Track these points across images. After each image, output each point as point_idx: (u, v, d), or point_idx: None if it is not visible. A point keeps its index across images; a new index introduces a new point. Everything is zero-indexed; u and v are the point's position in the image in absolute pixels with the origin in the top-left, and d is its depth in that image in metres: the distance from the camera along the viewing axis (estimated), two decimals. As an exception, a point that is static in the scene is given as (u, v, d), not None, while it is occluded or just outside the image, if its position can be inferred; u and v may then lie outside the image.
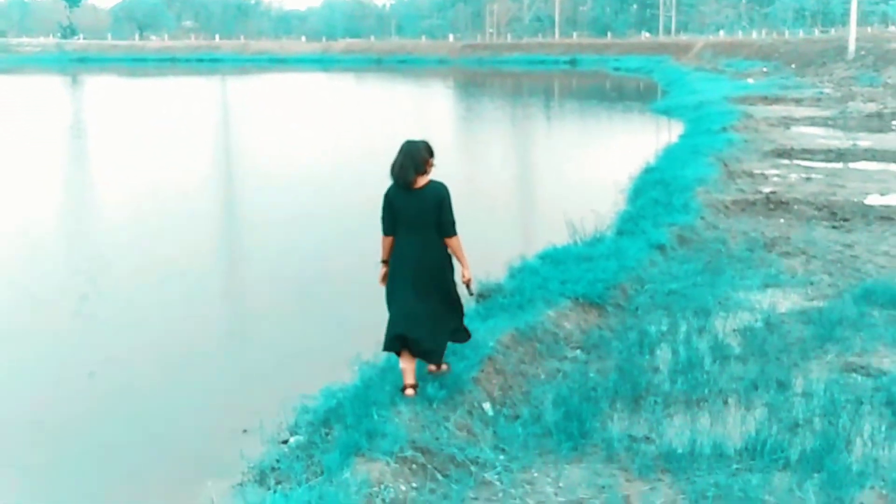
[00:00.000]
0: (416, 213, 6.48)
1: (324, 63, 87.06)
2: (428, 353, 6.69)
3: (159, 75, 66.94)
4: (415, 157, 6.48)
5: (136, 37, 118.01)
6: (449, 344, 6.97)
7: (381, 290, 6.81)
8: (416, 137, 6.67)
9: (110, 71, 73.06)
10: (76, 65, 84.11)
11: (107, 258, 12.43)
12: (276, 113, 36.12)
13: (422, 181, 6.51)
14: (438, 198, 6.50)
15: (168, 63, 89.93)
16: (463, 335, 7.00)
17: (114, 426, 7.31)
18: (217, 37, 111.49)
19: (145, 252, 12.72)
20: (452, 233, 6.56)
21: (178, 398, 7.82)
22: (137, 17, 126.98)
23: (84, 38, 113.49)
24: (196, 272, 11.73)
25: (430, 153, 6.56)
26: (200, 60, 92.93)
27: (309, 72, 72.09)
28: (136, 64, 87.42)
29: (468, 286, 6.82)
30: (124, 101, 43.62)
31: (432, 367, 6.89)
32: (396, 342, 6.54)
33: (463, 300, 6.96)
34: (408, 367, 6.58)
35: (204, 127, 31.37)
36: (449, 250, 6.63)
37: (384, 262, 6.72)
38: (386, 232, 6.64)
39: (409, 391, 6.52)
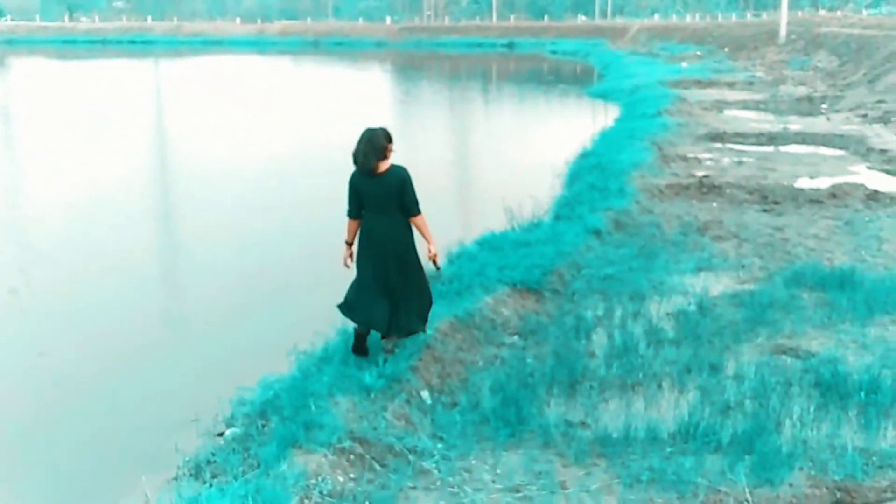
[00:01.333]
0: (380, 197, 6.86)
1: (259, 45, 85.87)
2: (397, 329, 7.11)
3: (90, 57, 65.46)
4: (375, 144, 6.81)
5: (66, 18, 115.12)
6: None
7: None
8: (374, 125, 6.98)
9: (39, 53, 71.28)
10: (3, 46, 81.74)
11: (38, 249, 12.12)
12: (212, 98, 35.57)
13: (383, 166, 6.85)
14: (400, 181, 6.85)
15: (99, 45, 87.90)
16: (419, 326, 7.24)
17: (46, 421, 7.16)
18: (149, 18, 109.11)
19: (78, 243, 12.43)
20: (416, 212, 6.92)
21: (113, 392, 7.68)
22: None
23: (11, 20, 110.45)
24: (130, 264, 11.48)
25: (389, 139, 6.89)
26: (132, 42, 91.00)
27: (244, 54, 71.12)
28: (66, 45, 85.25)
29: (434, 262, 7.20)
30: (54, 85, 42.58)
31: (386, 350, 7.18)
32: (359, 317, 7.04)
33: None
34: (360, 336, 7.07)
35: (138, 112, 30.75)
36: (414, 229, 6.99)
37: (348, 243, 7.12)
38: (350, 215, 7.06)
39: (359, 342, 7.05)
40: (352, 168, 6.98)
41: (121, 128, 25.90)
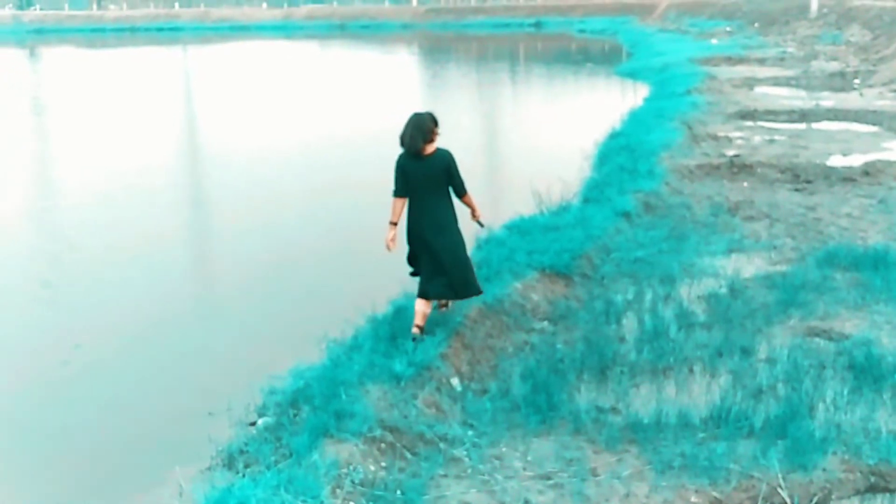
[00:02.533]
0: (427, 177, 7.21)
1: (286, 30, 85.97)
2: (462, 291, 7.47)
3: (119, 46, 65.89)
4: (421, 128, 7.14)
5: (94, 6, 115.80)
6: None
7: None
8: (421, 110, 7.32)
9: (68, 42, 71.81)
10: (33, 36, 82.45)
11: (70, 240, 12.26)
12: (241, 84, 35.69)
13: (429, 149, 7.19)
14: (445, 163, 7.23)
15: (127, 33, 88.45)
16: (475, 289, 7.57)
17: (80, 411, 7.26)
18: (177, 5, 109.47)
19: (110, 232, 12.53)
20: (465, 191, 7.39)
21: (145, 382, 7.77)
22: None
23: (40, 9, 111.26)
24: (162, 253, 11.59)
25: (435, 123, 7.22)
26: (160, 30, 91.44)
27: (271, 39, 71.23)
28: (95, 34, 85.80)
29: (479, 222, 7.79)
30: (84, 74, 42.91)
31: (442, 308, 7.79)
32: (431, 293, 7.36)
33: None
34: (424, 310, 7.34)
35: (168, 100, 30.94)
36: (463, 203, 7.45)
37: (393, 223, 7.33)
38: (397, 194, 7.31)
39: (416, 330, 7.24)
40: (394, 151, 7.23)
41: (151, 116, 26.09)
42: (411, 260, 7.63)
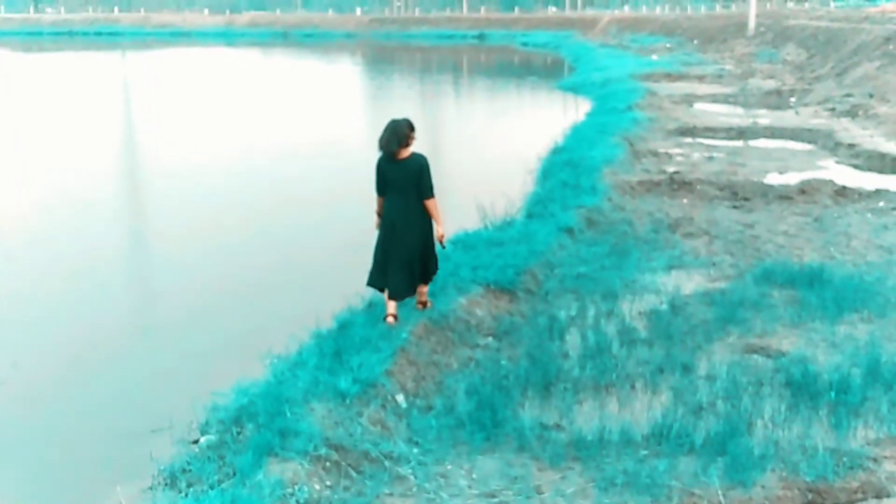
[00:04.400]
0: (401, 179, 7.78)
1: (228, 37, 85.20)
2: (399, 294, 7.98)
3: (56, 49, 64.66)
4: (397, 132, 7.71)
5: (31, 9, 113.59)
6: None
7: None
8: (398, 116, 7.88)
9: (3, 45, 70.31)
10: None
11: (5, 253, 11.91)
12: (181, 92, 35.27)
13: (405, 153, 7.76)
14: (418, 167, 7.76)
15: (65, 36, 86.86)
16: (432, 274, 8.27)
17: (18, 430, 7.06)
18: (116, 9, 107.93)
19: (46, 246, 12.20)
20: (430, 195, 7.80)
21: (85, 399, 7.60)
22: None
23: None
24: (101, 267, 11.33)
25: (412, 129, 7.79)
26: (99, 34, 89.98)
27: (213, 46, 70.55)
28: (31, 37, 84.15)
29: (440, 241, 8.09)
30: (18, 79, 42.04)
31: (419, 305, 8.25)
32: (378, 281, 7.98)
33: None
34: (392, 304, 7.89)
35: (106, 108, 30.42)
36: (425, 206, 7.84)
37: (379, 214, 8.05)
38: (378, 193, 7.99)
39: (391, 319, 7.80)
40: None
41: (89, 124, 25.62)
42: (372, 275, 8.08)
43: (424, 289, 8.33)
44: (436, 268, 8.31)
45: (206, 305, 9.91)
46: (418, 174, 7.76)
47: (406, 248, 7.90)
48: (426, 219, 7.94)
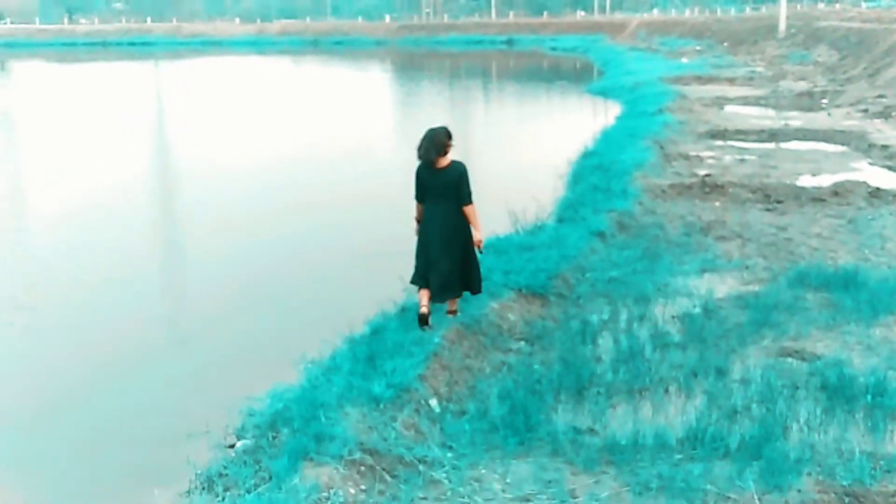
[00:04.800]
0: (440, 187, 7.94)
1: (259, 45, 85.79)
2: (439, 295, 8.16)
3: (90, 60, 65.45)
4: (435, 142, 7.85)
5: (66, 20, 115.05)
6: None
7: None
8: (436, 125, 8.08)
9: (39, 56, 71.29)
10: (3, 50, 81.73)
11: (42, 261, 12.06)
12: (214, 100, 35.59)
13: (443, 161, 7.92)
14: (458, 174, 7.92)
15: (99, 47, 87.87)
16: (476, 286, 8.38)
17: (56, 437, 7.17)
18: (149, 19, 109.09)
19: (83, 253, 12.35)
20: (469, 202, 7.97)
21: (122, 405, 7.68)
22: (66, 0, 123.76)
23: (11, 23, 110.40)
24: (136, 274, 11.45)
25: (449, 137, 7.92)
26: (132, 44, 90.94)
27: (244, 54, 71.10)
28: (66, 48, 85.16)
29: (479, 247, 8.20)
30: (55, 89, 42.62)
31: (450, 313, 8.33)
32: (421, 281, 8.11)
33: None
34: (424, 297, 8.05)
35: (140, 117, 30.76)
36: (463, 212, 8.00)
37: (418, 220, 8.21)
38: (417, 199, 8.14)
39: (423, 309, 7.96)
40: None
41: (123, 133, 25.93)
42: (416, 277, 8.24)
43: (457, 300, 8.42)
44: (479, 285, 8.41)
45: (240, 310, 10.00)
46: (457, 182, 7.91)
47: (447, 253, 8.05)
48: (465, 225, 8.07)
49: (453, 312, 8.39)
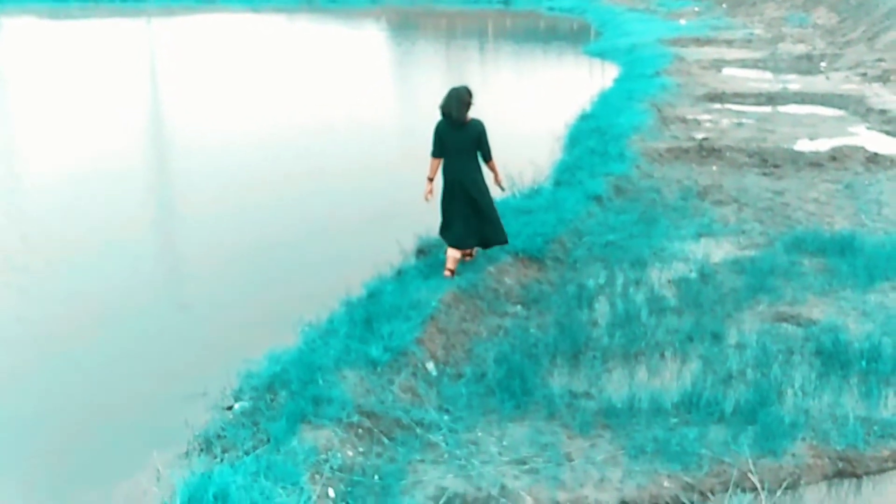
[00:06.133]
0: (461, 143, 8.34)
1: (253, 3, 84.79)
2: (458, 244, 8.58)
3: (83, 17, 64.80)
4: (461, 100, 8.25)
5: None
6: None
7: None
8: (458, 84, 8.44)
9: (30, 12, 70.50)
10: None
11: (39, 223, 11.98)
12: (208, 59, 35.29)
13: (466, 118, 8.30)
14: (477, 132, 8.36)
15: (91, 3, 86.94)
16: (503, 238, 8.79)
17: (54, 398, 7.16)
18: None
19: (78, 216, 12.22)
20: (490, 157, 8.51)
21: (119, 367, 7.68)
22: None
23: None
24: (133, 236, 11.35)
25: (470, 95, 8.32)
26: (125, 0, 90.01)
27: (238, 12, 70.39)
28: (58, 4, 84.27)
29: (500, 185, 8.92)
30: (48, 46, 42.23)
31: (466, 255, 8.85)
32: (449, 235, 8.60)
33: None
34: (454, 255, 8.54)
35: (134, 76, 30.49)
36: (486, 168, 8.57)
37: (430, 179, 8.53)
38: (434, 155, 8.48)
39: (448, 273, 8.42)
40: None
41: (118, 93, 25.70)
42: (443, 229, 8.72)
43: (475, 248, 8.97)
44: (502, 237, 8.79)
45: (236, 274, 9.96)
46: (478, 138, 8.35)
47: (468, 203, 8.47)
48: (483, 177, 8.57)
49: (470, 255, 8.93)
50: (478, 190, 8.52)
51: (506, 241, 8.83)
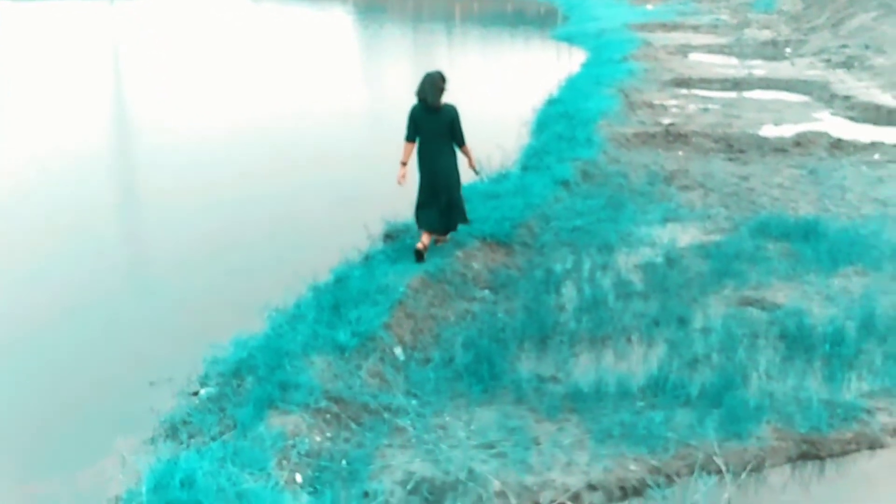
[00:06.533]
0: (435, 127, 8.49)
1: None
2: (429, 228, 8.75)
3: (44, -2, 63.74)
4: (437, 85, 8.42)
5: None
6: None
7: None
8: (432, 69, 8.61)
9: (-10, -7, 69.19)
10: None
11: (2, 210, 11.77)
12: (170, 43, 34.87)
13: (438, 103, 8.43)
14: (451, 116, 8.52)
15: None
16: (465, 220, 9.01)
17: (16, 384, 7.08)
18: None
19: (41, 202, 12.06)
20: (464, 142, 8.69)
21: (84, 353, 7.58)
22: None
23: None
24: (97, 223, 11.20)
25: (444, 80, 8.49)
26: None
27: (203, -7, 69.54)
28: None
29: (474, 169, 9.15)
30: (6, 29, 41.53)
31: (439, 240, 8.99)
32: (422, 224, 8.73)
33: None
34: (426, 237, 8.66)
35: (96, 60, 30.07)
36: (460, 152, 8.74)
37: (403, 163, 8.56)
38: (408, 139, 8.57)
39: (420, 248, 8.50)
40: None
41: (83, 77, 25.31)
42: (417, 211, 8.81)
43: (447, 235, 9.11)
44: (464, 218, 8.99)
45: (203, 260, 9.86)
46: (451, 122, 8.51)
47: (441, 186, 8.64)
48: (456, 163, 8.73)
49: (444, 239, 9.06)
50: (451, 179, 8.69)
51: (466, 222, 9.05)
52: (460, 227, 9.10)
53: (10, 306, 8.61)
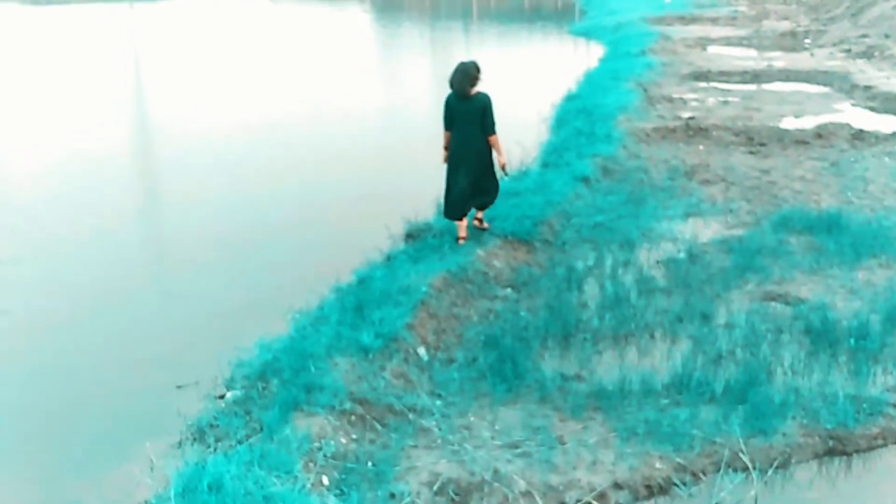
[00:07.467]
0: (467, 115, 8.75)
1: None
2: (451, 215, 9.04)
3: (64, 2, 64.21)
4: (467, 74, 8.70)
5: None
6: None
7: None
8: (466, 59, 8.93)
9: (11, -1, 69.77)
10: (-27, -8, 79.76)
11: (25, 212, 11.89)
12: (191, 45, 35.04)
13: (472, 91, 8.71)
14: (483, 105, 8.73)
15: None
16: (491, 201, 9.27)
17: (44, 389, 7.15)
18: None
19: (65, 205, 12.14)
20: (493, 132, 8.82)
21: (110, 357, 7.63)
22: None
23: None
24: (121, 225, 11.28)
25: (479, 70, 8.78)
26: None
27: (220, -5, 69.84)
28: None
29: (503, 169, 9.07)
30: (29, 34, 41.87)
31: (477, 223, 9.29)
32: (454, 214, 8.99)
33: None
34: (462, 224, 9.01)
35: (118, 63, 30.27)
36: (488, 141, 8.85)
37: (445, 148, 9.00)
38: (445, 127, 8.96)
39: (461, 241, 8.92)
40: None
41: (103, 80, 25.48)
42: (445, 199, 9.05)
43: (480, 214, 9.35)
44: (494, 197, 9.22)
45: (225, 262, 9.89)
46: (482, 111, 8.69)
47: (469, 173, 8.83)
48: (487, 149, 8.87)
49: (480, 222, 9.35)
50: (477, 164, 8.88)
51: (492, 202, 9.27)
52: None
53: (36, 309, 8.69)
